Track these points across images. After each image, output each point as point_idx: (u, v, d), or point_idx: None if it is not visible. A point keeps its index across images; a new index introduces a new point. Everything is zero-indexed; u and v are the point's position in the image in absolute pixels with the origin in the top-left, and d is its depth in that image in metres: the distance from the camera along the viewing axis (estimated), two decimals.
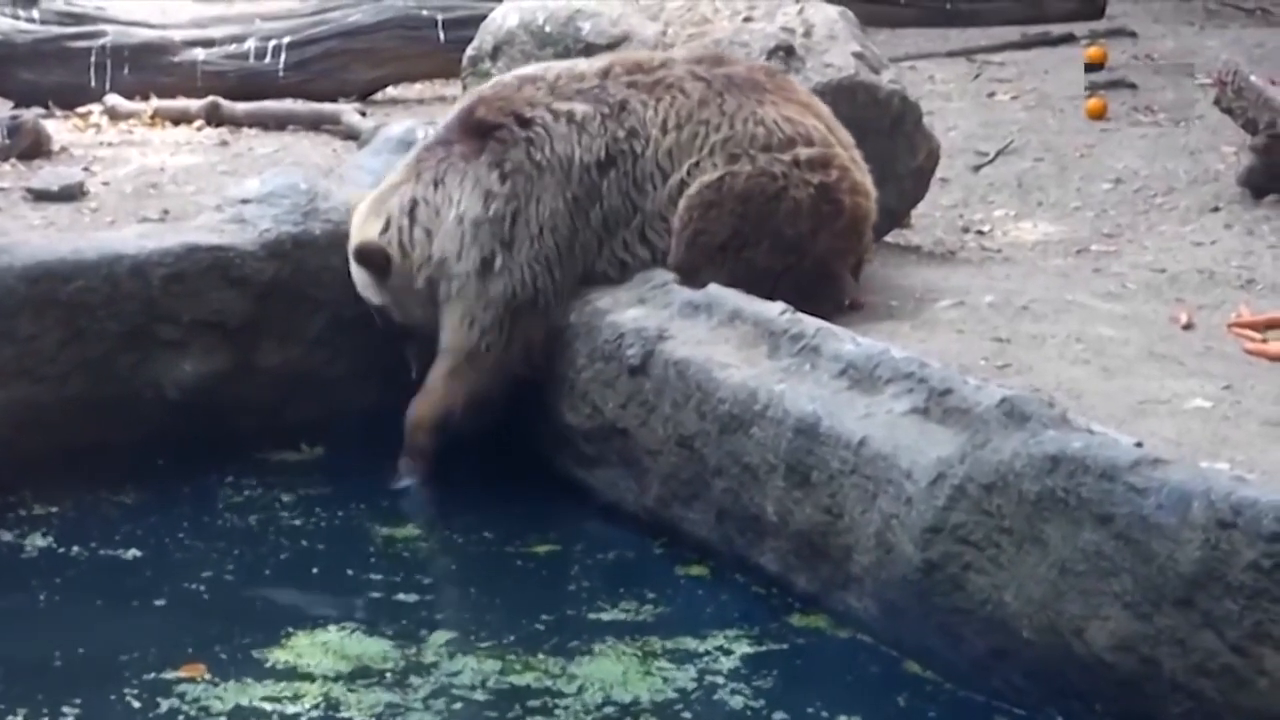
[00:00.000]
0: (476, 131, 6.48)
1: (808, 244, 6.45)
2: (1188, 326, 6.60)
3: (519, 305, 6.37)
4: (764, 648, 5.37)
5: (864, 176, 6.66)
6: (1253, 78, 8.27)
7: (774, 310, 5.85)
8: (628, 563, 5.98)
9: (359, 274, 6.57)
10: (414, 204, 6.46)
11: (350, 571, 5.88)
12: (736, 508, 5.70)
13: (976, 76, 11.17)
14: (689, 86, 6.54)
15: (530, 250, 6.37)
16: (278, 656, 5.26)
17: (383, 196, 6.55)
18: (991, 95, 10.65)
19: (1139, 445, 4.89)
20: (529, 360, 6.42)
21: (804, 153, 6.48)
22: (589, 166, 6.43)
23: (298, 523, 6.22)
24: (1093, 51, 11.46)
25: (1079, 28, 12.51)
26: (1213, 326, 6.61)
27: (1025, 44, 12.15)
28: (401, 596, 5.70)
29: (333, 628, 5.43)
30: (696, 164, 6.43)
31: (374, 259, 6.48)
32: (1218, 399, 5.74)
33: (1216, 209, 8.27)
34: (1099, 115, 9.95)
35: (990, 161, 9.16)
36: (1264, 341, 6.41)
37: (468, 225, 6.38)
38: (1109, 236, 8.02)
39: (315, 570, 5.92)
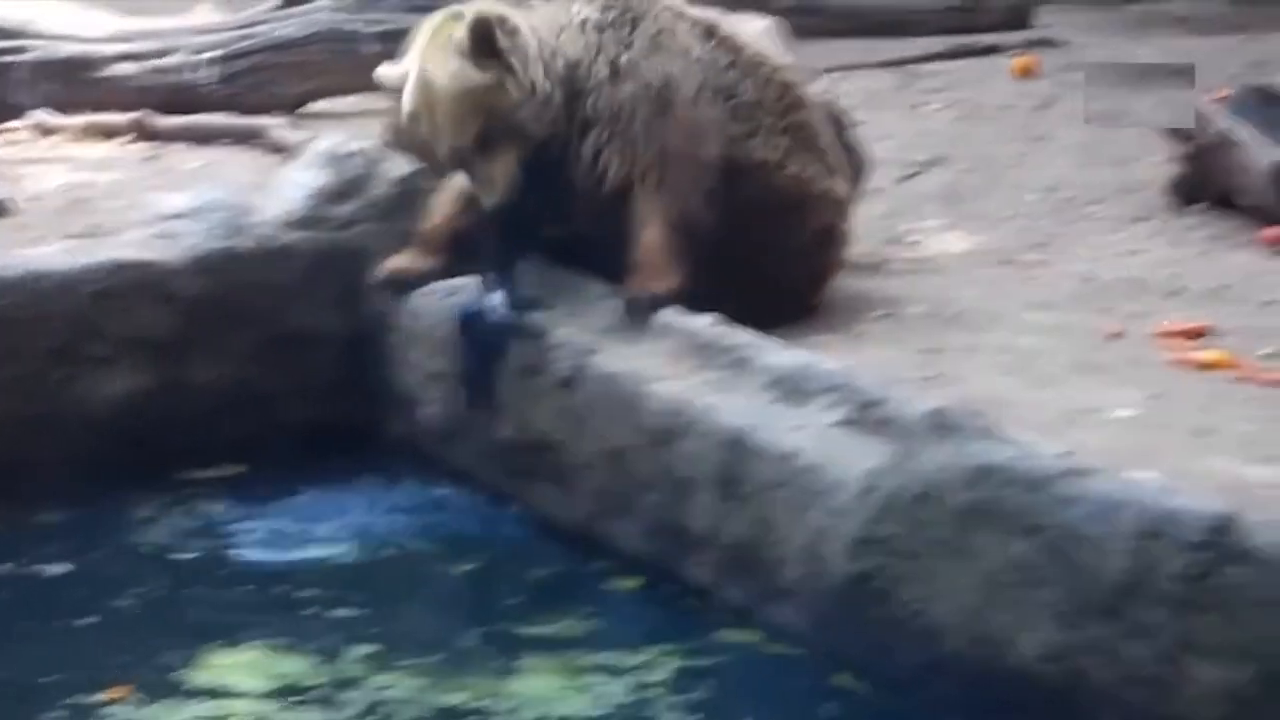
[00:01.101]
0: None
1: (771, 246, 6.47)
2: (1116, 336, 6.62)
3: (657, 93, 6.29)
4: (696, 661, 5.35)
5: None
6: None
7: (703, 322, 5.84)
8: (559, 577, 5.95)
9: (452, 61, 6.10)
10: (531, 8, 6.40)
11: (278, 589, 5.84)
12: (667, 521, 5.69)
13: (906, 87, 11.19)
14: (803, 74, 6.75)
15: (648, 47, 6.33)
16: (206, 676, 5.22)
17: None
18: (921, 106, 10.67)
19: (1067, 455, 4.90)
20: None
21: (843, 189, 6.68)
22: (697, 22, 6.51)
23: (225, 541, 6.18)
24: (1021, 61, 11.50)
25: (1007, 38, 12.55)
26: (1141, 336, 6.64)
27: (953, 54, 12.18)
28: (330, 613, 5.67)
29: (261, 645, 5.39)
30: (756, 130, 6.46)
31: (485, 30, 6.06)
32: (1146, 408, 5.76)
33: (1145, 218, 8.31)
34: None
35: (920, 172, 9.18)
36: (1192, 350, 6.44)
37: (590, 28, 6.33)
38: (1038, 246, 8.04)
39: (243, 588, 5.88)
